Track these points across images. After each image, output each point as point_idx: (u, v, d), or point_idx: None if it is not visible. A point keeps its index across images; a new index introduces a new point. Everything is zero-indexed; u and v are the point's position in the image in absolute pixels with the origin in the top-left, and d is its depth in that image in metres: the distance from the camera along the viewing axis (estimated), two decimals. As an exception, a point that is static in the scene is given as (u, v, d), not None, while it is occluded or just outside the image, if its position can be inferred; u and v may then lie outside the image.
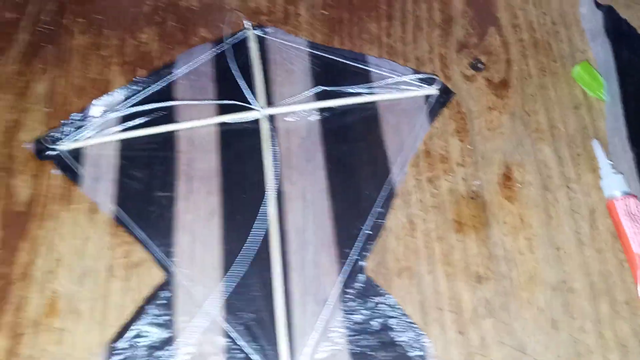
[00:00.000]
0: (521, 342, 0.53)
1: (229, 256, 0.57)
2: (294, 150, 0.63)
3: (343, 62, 0.68)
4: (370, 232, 0.58)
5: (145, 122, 0.64)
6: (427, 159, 0.62)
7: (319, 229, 0.58)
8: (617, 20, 0.70)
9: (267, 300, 0.55)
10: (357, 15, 0.73)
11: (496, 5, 0.74)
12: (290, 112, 0.65)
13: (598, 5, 0.71)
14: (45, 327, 0.54)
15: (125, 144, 0.63)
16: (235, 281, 0.55)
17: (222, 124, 0.64)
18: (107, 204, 0.59)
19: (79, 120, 0.64)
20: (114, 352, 0.52)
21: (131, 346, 0.53)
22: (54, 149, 0.62)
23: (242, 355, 0.52)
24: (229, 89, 0.66)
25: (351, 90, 0.66)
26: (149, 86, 0.66)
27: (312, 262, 0.56)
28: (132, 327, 0.53)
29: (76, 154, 0.62)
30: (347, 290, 0.55)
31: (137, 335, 0.53)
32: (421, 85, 0.66)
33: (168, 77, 0.67)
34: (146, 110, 0.64)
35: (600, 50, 0.69)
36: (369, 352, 0.52)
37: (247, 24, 0.70)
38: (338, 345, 0.53)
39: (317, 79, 0.67)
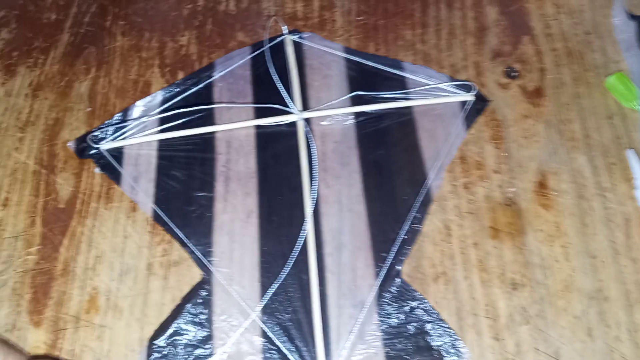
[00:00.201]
0: (557, 349, 0.53)
1: (266, 257, 0.57)
2: (329, 154, 0.63)
3: (379, 67, 0.69)
4: (407, 237, 0.58)
5: (184, 123, 0.65)
6: (462, 165, 0.62)
7: (354, 232, 0.59)
8: (651, 31, 0.70)
9: (303, 301, 0.55)
10: (392, 22, 0.73)
11: (529, 14, 0.74)
12: (327, 116, 0.65)
13: (632, 16, 0.72)
14: (85, 322, 0.54)
15: (165, 145, 0.64)
16: (273, 282, 0.56)
17: (259, 127, 0.65)
18: (146, 203, 0.60)
19: (119, 120, 0.65)
20: (154, 349, 0.53)
21: (170, 344, 0.53)
22: (95, 148, 0.63)
23: (279, 356, 0.53)
24: (265, 92, 0.67)
25: (387, 96, 0.66)
26: (188, 88, 0.67)
27: (348, 265, 0.57)
28: (171, 325, 0.54)
29: (116, 153, 0.63)
30: (383, 294, 0.55)
31: (176, 333, 0.54)
32: (457, 92, 0.66)
33: (207, 79, 0.68)
34: (185, 111, 0.64)
35: (635, 61, 0.69)
36: (404, 356, 0.53)
37: (284, 29, 0.71)
38: (374, 349, 0.53)
39: (353, 84, 0.68)
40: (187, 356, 0.53)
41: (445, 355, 0.53)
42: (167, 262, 0.57)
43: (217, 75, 0.68)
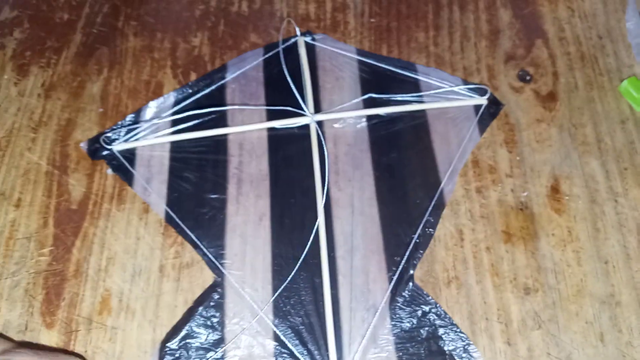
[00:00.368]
0: (569, 354, 0.53)
1: (278, 259, 0.57)
2: (341, 157, 0.63)
3: (392, 70, 0.69)
4: (419, 241, 0.58)
5: (197, 125, 0.65)
6: (475, 169, 0.62)
7: (367, 235, 0.59)
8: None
9: (316, 305, 0.55)
10: (405, 24, 0.73)
11: (543, 18, 0.74)
12: (339, 118, 0.65)
13: (645, 20, 0.71)
14: (97, 324, 0.54)
15: (177, 146, 0.64)
16: (285, 285, 0.56)
17: (271, 129, 0.65)
18: (159, 204, 0.60)
19: (132, 121, 0.65)
20: (166, 352, 0.53)
21: (182, 347, 0.53)
22: (107, 149, 0.63)
23: (291, 359, 0.53)
24: (277, 94, 0.67)
25: (400, 98, 0.66)
26: (201, 90, 0.67)
27: (361, 268, 0.57)
28: (183, 328, 0.54)
29: (129, 154, 0.63)
30: (396, 298, 0.55)
31: (188, 336, 0.54)
32: (470, 95, 0.66)
33: (219, 81, 0.68)
34: (198, 113, 0.64)
35: (648, 66, 0.69)
36: (417, 360, 0.53)
37: (297, 30, 0.71)
38: (386, 352, 0.53)
39: (366, 87, 0.67)
40: (198, 359, 0.53)
41: (458, 359, 0.52)
42: (179, 264, 0.57)
43: (229, 76, 0.68)
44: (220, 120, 0.65)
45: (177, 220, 0.59)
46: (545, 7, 0.74)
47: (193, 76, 0.68)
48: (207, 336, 0.54)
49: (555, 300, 0.55)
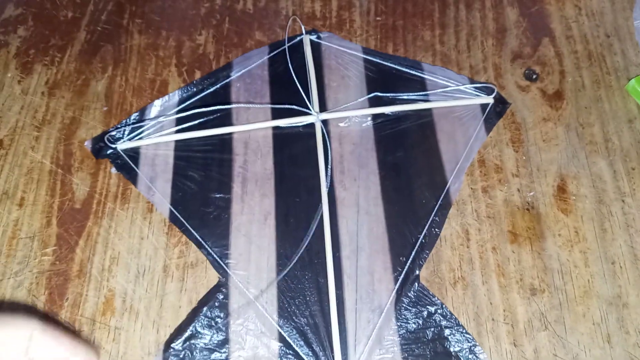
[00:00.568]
0: (575, 356, 0.52)
1: (283, 259, 0.57)
2: (347, 156, 0.63)
3: (397, 68, 0.68)
4: (425, 241, 0.58)
5: (201, 123, 0.64)
6: (481, 168, 0.62)
7: (372, 235, 0.58)
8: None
9: (321, 305, 0.55)
10: (411, 22, 0.73)
11: (550, 16, 0.73)
12: (345, 117, 0.65)
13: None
14: (101, 324, 0.54)
15: (182, 145, 0.63)
16: (289, 285, 0.56)
17: (276, 128, 0.64)
18: (163, 203, 0.60)
19: (136, 119, 0.65)
20: (170, 352, 0.53)
21: (186, 348, 0.53)
22: (112, 148, 0.62)
23: None
24: (283, 92, 0.67)
25: (406, 97, 0.66)
26: (206, 88, 0.67)
27: (366, 268, 0.57)
28: (187, 329, 0.54)
29: (133, 153, 0.63)
30: (402, 299, 0.55)
31: (192, 337, 0.53)
32: (477, 94, 0.66)
33: (224, 79, 0.67)
34: (203, 112, 0.64)
35: (656, 65, 0.68)
36: (422, 361, 0.53)
37: (302, 28, 0.71)
38: (391, 354, 0.53)
39: (372, 85, 0.67)
40: (203, 360, 0.53)
41: (464, 361, 0.52)
42: (183, 264, 0.57)
43: (234, 75, 0.68)
44: (226, 118, 0.65)
45: (182, 219, 0.59)
46: (552, 5, 0.74)
47: (198, 74, 0.68)
48: (212, 337, 0.53)
49: (561, 301, 0.55)
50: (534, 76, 0.68)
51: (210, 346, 0.53)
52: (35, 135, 0.64)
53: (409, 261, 0.56)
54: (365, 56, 0.69)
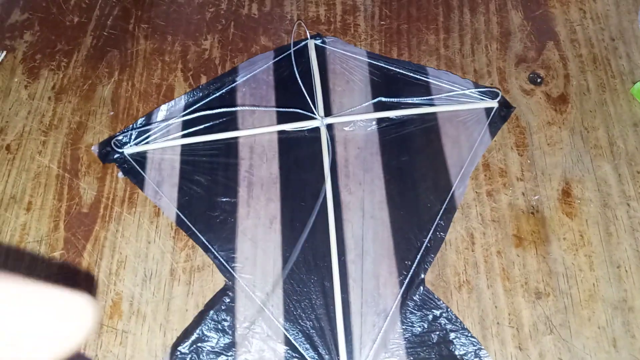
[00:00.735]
0: (581, 360, 0.53)
1: (289, 263, 0.57)
2: (352, 160, 0.63)
3: (402, 72, 0.68)
4: (430, 245, 0.58)
5: (207, 128, 0.65)
6: (486, 172, 0.62)
7: (377, 239, 0.58)
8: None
9: (326, 309, 0.55)
10: (415, 27, 0.73)
11: (554, 20, 0.73)
12: (349, 121, 0.65)
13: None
14: (108, 328, 0.54)
15: (188, 150, 0.64)
16: (295, 288, 0.56)
17: (282, 132, 0.65)
18: (169, 208, 0.60)
19: (143, 124, 0.65)
20: (176, 356, 0.53)
21: (193, 351, 0.53)
22: (118, 152, 0.63)
23: (302, 363, 0.53)
24: (288, 97, 0.67)
25: (410, 102, 0.66)
26: (212, 93, 0.67)
27: (371, 272, 0.57)
28: (194, 332, 0.54)
29: (140, 157, 0.63)
30: (407, 302, 0.55)
31: (199, 340, 0.54)
32: (481, 98, 0.66)
33: (230, 84, 0.68)
34: (209, 116, 0.64)
35: (661, 68, 0.68)
36: (428, 365, 0.53)
37: (307, 33, 0.71)
38: (397, 357, 0.53)
39: (376, 89, 0.67)
40: (210, 363, 0.53)
41: (469, 364, 0.52)
42: (190, 267, 0.57)
43: (240, 79, 0.68)
44: (231, 123, 0.65)
45: (188, 223, 0.59)
46: (556, 9, 0.74)
47: (204, 79, 0.68)
48: (218, 340, 0.54)
49: (567, 305, 0.55)
50: (539, 80, 0.68)
51: (216, 349, 0.53)
52: (42, 140, 0.64)
53: (414, 265, 0.57)
54: (369, 60, 0.70)
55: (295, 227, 0.59)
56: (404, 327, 0.54)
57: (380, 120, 0.65)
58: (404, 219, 0.59)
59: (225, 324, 0.54)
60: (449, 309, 0.55)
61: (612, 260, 0.57)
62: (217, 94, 0.67)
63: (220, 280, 0.56)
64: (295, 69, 0.67)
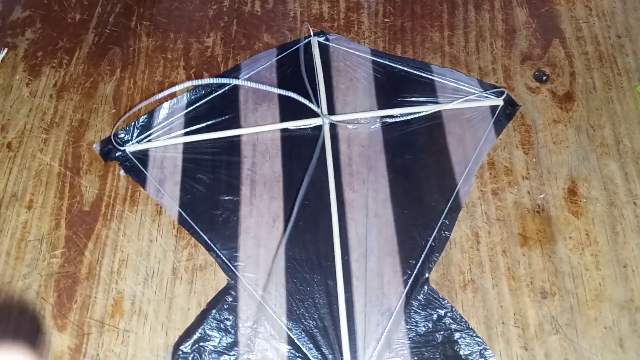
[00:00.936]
0: (587, 360, 0.52)
1: (292, 262, 0.57)
2: (355, 158, 0.62)
3: (406, 70, 0.68)
4: (434, 244, 0.57)
5: (210, 126, 0.64)
6: (491, 171, 0.61)
7: (381, 238, 0.58)
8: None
9: (330, 308, 0.55)
10: (419, 24, 0.72)
11: (560, 17, 0.73)
12: (353, 119, 0.64)
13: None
14: (110, 327, 0.54)
15: (190, 147, 0.63)
16: (298, 287, 0.55)
17: (284, 130, 0.64)
18: (172, 206, 0.60)
19: (145, 122, 0.65)
20: (179, 355, 0.52)
21: (195, 350, 0.53)
22: (120, 150, 0.62)
23: (305, 363, 0.53)
24: (291, 95, 0.66)
25: (415, 99, 0.65)
26: (214, 90, 0.67)
27: (375, 271, 0.56)
28: (196, 331, 0.53)
29: (142, 155, 0.63)
30: (411, 302, 0.55)
31: (201, 339, 0.53)
32: (486, 96, 0.65)
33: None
34: (211, 114, 0.64)
35: (668, 66, 0.68)
36: (432, 365, 0.52)
37: (310, 30, 0.70)
38: (401, 357, 0.52)
39: (380, 87, 0.67)
40: (212, 362, 0.52)
41: (474, 364, 0.52)
42: (192, 266, 0.57)
43: (242, 77, 0.67)
44: (234, 121, 0.65)
45: (190, 222, 0.59)
46: (562, 6, 0.74)
47: (206, 77, 0.68)
48: (221, 339, 0.53)
49: (573, 304, 0.54)
50: (544, 78, 0.67)
51: (219, 349, 0.53)
52: (43, 138, 0.64)
53: (419, 264, 0.56)
54: (373, 58, 0.69)
55: (299, 225, 0.59)
56: (408, 326, 0.54)
57: (384, 118, 0.65)
58: (408, 217, 0.59)
59: (228, 323, 0.54)
60: (453, 309, 0.54)
61: (618, 260, 0.56)
62: (220, 92, 0.67)
63: (222, 279, 0.56)
64: (302, 65, 0.67)
